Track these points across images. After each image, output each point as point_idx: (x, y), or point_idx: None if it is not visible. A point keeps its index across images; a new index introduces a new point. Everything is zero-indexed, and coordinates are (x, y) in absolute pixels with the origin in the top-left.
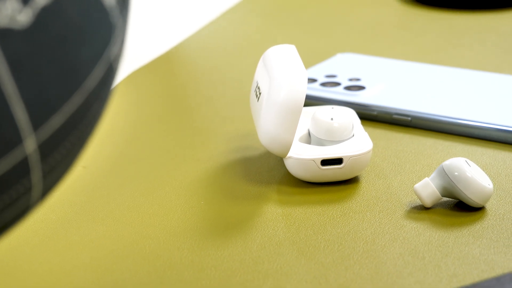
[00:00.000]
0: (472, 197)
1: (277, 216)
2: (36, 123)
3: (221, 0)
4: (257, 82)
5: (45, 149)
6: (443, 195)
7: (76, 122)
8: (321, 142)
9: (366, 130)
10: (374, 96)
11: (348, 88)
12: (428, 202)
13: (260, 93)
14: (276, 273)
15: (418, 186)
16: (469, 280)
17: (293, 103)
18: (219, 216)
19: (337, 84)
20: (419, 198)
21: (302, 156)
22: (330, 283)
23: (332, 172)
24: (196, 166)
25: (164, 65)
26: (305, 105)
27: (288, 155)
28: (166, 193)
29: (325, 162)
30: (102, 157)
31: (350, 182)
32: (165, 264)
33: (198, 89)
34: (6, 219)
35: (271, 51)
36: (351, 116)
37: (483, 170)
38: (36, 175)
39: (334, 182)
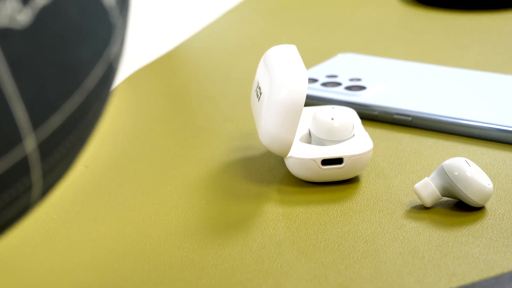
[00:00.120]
0: (472, 197)
1: (278, 215)
2: (36, 122)
3: (223, 0)
4: (258, 82)
5: (45, 148)
6: (443, 195)
7: (76, 121)
8: (321, 142)
9: (366, 130)
10: (375, 96)
11: (349, 88)
12: (428, 201)
13: (261, 93)
14: (276, 272)
15: (418, 185)
16: (469, 280)
17: (293, 103)
18: (219, 216)
19: (338, 84)
20: (419, 197)
21: (303, 155)
22: (330, 282)
23: (332, 172)
24: (197, 166)
25: (166, 65)
26: (306, 105)
27: (289, 154)
28: (167, 193)
29: (325, 161)
30: (104, 157)
31: (351, 181)
32: (166, 263)
33: (199, 88)
34: (6, 217)
35: (272, 51)
36: (352, 116)
37: (483, 170)
38: (36, 174)
39: (335, 181)
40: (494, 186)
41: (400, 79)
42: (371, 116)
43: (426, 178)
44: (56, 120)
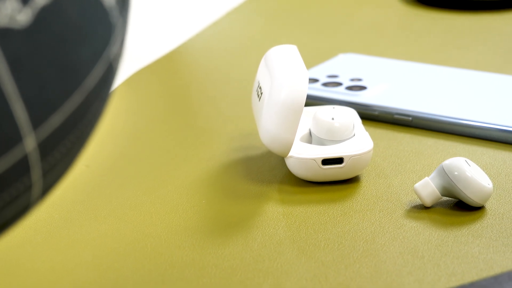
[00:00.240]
0: (472, 197)
1: (278, 215)
2: (36, 121)
3: (224, 1)
4: (258, 82)
5: (45, 147)
6: (443, 195)
7: (76, 121)
8: (322, 142)
9: (367, 130)
10: (376, 96)
11: (349, 88)
12: (428, 201)
13: (261, 93)
14: (276, 271)
15: (418, 185)
16: (468, 279)
17: (294, 103)
18: (220, 215)
19: (339, 84)
20: (419, 197)
21: (303, 155)
22: (330, 281)
23: (332, 172)
24: (198, 165)
25: (167, 65)
26: (307, 105)
27: (289, 154)
28: (168, 192)
29: (326, 161)
30: (105, 156)
31: (351, 181)
32: (166, 262)
33: (200, 89)
34: (6, 217)
35: (272, 52)
36: (352, 116)
37: (483, 169)
38: (36, 173)
39: (335, 181)
40: (494, 186)
41: (401, 79)
42: (371, 116)
43: (426, 178)
44: (56, 120)
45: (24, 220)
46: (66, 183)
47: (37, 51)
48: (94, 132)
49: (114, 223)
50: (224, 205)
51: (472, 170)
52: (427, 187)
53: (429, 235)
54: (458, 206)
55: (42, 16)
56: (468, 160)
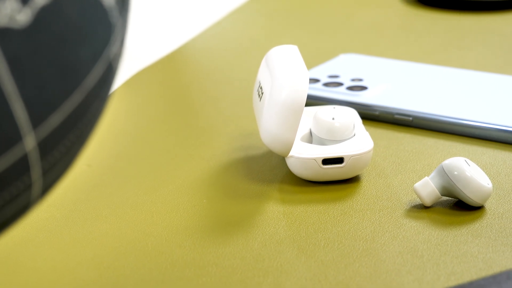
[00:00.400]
0: (471, 196)
1: (279, 214)
2: (36, 121)
3: (226, 1)
4: (259, 82)
5: (44, 146)
6: (443, 194)
7: (75, 120)
8: (322, 142)
9: (368, 130)
10: (376, 96)
11: (350, 88)
12: (427, 201)
13: (262, 93)
14: (276, 270)
15: (418, 185)
16: (467, 278)
17: (294, 103)
18: (221, 214)
19: (340, 84)
20: (419, 197)
21: (304, 155)
22: (330, 280)
23: (333, 171)
24: (199, 165)
25: (169, 65)
26: (308, 104)
27: (290, 154)
28: (169, 192)
29: (326, 161)
30: (106, 156)
31: (351, 181)
32: (167, 261)
33: (202, 89)
34: (6, 215)
35: (273, 52)
36: (352, 116)
37: (483, 169)
38: (36, 172)
39: (335, 181)
40: (493, 186)
41: (402, 79)
42: (372, 116)
43: (426, 178)
44: (55, 119)
45: (25, 219)
46: (68, 182)
47: (36, 51)
48: (94, 132)
49: (115, 222)
50: (225, 205)
51: (471, 170)
52: (427, 187)
53: (428, 234)
54: (458, 206)
55: (41, 16)
56: (468, 160)
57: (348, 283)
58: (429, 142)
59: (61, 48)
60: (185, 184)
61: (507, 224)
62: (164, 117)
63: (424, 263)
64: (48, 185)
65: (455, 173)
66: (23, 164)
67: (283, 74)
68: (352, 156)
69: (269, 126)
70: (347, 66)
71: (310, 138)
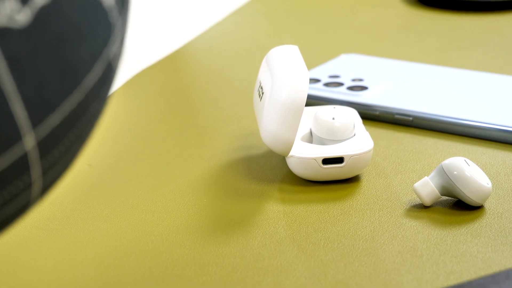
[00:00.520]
0: (471, 196)
1: (279, 214)
2: (35, 120)
3: (227, 1)
4: (260, 82)
5: (44, 146)
6: (442, 194)
7: (75, 120)
8: (322, 141)
9: (368, 130)
10: (377, 96)
11: (351, 88)
12: (427, 200)
13: (262, 93)
14: (276, 270)
15: (417, 185)
16: (466, 278)
17: (294, 103)
18: (221, 214)
19: (340, 84)
20: (419, 197)
21: (304, 155)
22: (329, 280)
23: (333, 171)
24: (200, 165)
25: (170, 65)
26: (309, 104)
27: (290, 154)
28: (170, 191)
29: (326, 161)
30: (107, 155)
31: (351, 180)
32: (167, 260)
33: (203, 89)
34: (6, 215)
35: (274, 52)
36: (353, 115)
37: (482, 169)
38: (35, 171)
39: (335, 180)
40: (493, 186)
41: (402, 79)
42: (372, 116)
43: (426, 178)
44: (55, 119)
45: (26, 218)
46: (69, 182)
47: (36, 50)
48: (93, 131)
49: (115, 221)
50: (225, 204)
51: (471, 169)
52: (427, 187)
53: (428, 234)
54: (457, 206)
55: (41, 16)
56: (468, 160)
57: (347, 282)
58: (429, 142)
59: (61, 48)
60: (185, 183)
61: (506, 223)
62: (164, 117)
63: (424, 262)
64: (48, 184)
65: (455, 173)
66: (23, 163)
67: (284, 74)
68: (352, 156)
69: (270, 126)
70: (347, 66)
71: (311, 138)
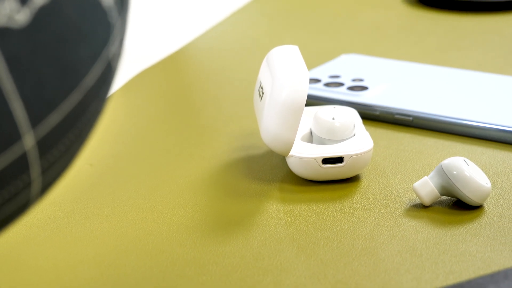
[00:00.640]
0: (470, 196)
1: (279, 213)
2: (35, 120)
3: (228, 2)
4: (260, 82)
5: (43, 145)
6: (442, 194)
7: (74, 119)
8: (322, 141)
9: (368, 130)
10: (377, 97)
11: (351, 88)
12: (427, 200)
13: (263, 93)
14: (276, 269)
15: (417, 184)
16: (465, 277)
17: (294, 103)
18: (221, 213)
19: (341, 84)
20: (418, 196)
21: (304, 154)
22: (329, 279)
23: (333, 171)
24: (200, 164)
25: (171, 66)
26: (309, 104)
27: (290, 153)
28: (170, 191)
29: (326, 160)
30: (108, 155)
31: (351, 180)
32: (168, 260)
33: (203, 89)
34: (5, 214)
35: (274, 52)
36: (353, 115)
37: (482, 169)
38: (35, 171)
39: (335, 180)
40: (492, 185)
41: (402, 79)
42: (372, 116)
43: (425, 177)
44: (54, 118)
45: (27, 217)
46: (70, 181)
47: (35, 50)
48: (93, 131)
49: (116, 221)
50: (226, 204)
51: (470, 169)
52: (426, 186)
53: (427, 233)
54: (457, 205)
55: (40, 16)
56: (467, 160)
57: (347, 282)
58: (429, 142)
59: (60, 48)
60: (186, 183)
61: (505, 223)
62: (165, 117)
63: (423, 262)
64: (47, 184)
65: (454, 172)
66: (22, 162)
67: (284, 74)
68: (352, 155)
69: (270, 126)
70: (348, 66)
71: (311, 137)
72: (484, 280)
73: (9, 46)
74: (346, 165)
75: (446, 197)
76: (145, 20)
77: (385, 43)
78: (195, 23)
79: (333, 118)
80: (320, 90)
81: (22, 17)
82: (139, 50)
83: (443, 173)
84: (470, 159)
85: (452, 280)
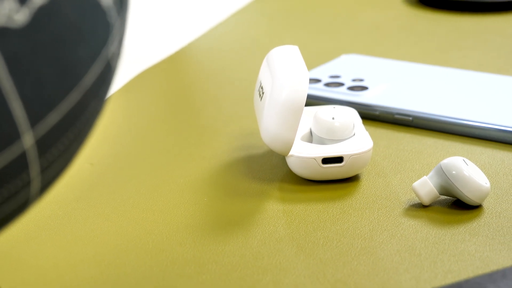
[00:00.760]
0: (469, 195)
1: (278, 213)
2: (34, 119)
3: (229, 2)
4: (260, 82)
5: (43, 144)
6: (441, 193)
7: (73, 119)
8: (322, 141)
9: (368, 130)
10: (377, 97)
11: (351, 88)
12: (426, 200)
13: (263, 93)
14: (275, 268)
15: (416, 184)
16: (464, 276)
17: (294, 103)
18: (221, 213)
19: (341, 84)
20: (417, 196)
21: (304, 154)
22: (328, 278)
23: (332, 170)
24: (201, 164)
25: (172, 66)
26: (309, 104)
27: (290, 153)
28: (171, 190)
29: (326, 160)
30: (109, 155)
31: (351, 180)
32: (168, 259)
33: (204, 89)
34: (5, 213)
35: (274, 52)
36: (352, 115)
37: (481, 169)
38: (34, 170)
39: (335, 180)
40: (491, 185)
41: (402, 79)
42: (372, 116)
43: (424, 177)
44: (53, 118)
45: (28, 216)
46: (70, 181)
47: (35, 50)
48: (92, 131)
49: (116, 220)
50: (225, 203)
51: (469, 169)
52: (425, 186)
53: (426, 233)
54: (456, 205)
55: (39, 15)
56: (466, 160)
57: (346, 281)
58: (428, 141)
59: (59, 48)
60: (186, 182)
61: (504, 223)
62: (166, 117)
63: (422, 261)
64: (46, 183)
65: (453, 172)
66: (21, 161)
67: (284, 74)
68: (351, 155)
69: (270, 126)
70: (348, 66)
71: (310, 137)
72: (483, 280)
73: (8, 46)
74: (346, 164)
75: (445, 197)
76: (146, 21)
77: (385, 43)
78: (195, 23)
79: (333, 118)
80: (320, 90)
81: (21, 17)
82: (140, 51)
83: (442, 173)
84: (470, 159)
85: (450, 279)
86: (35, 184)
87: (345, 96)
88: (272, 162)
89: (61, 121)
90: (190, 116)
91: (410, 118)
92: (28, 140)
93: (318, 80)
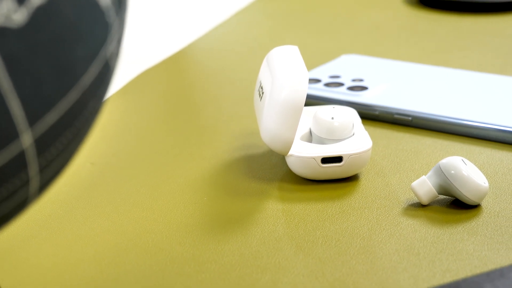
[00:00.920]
0: (468, 195)
1: (278, 212)
2: (32, 119)
3: (230, 2)
4: (260, 82)
5: (41, 144)
6: (440, 193)
7: (72, 118)
8: (321, 141)
9: (367, 130)
10: (376, 97)
11: (351, 88)
12: (424, 199)
13: (263, 93)
14: (274, 267)
15: (415, 184)
16: (462, 275)
17: (294, 102)
18: (221, 212)
19: (341, 84)
20: (416, 195)
21: (303, 154)
22: (327, 277)
23: (332, 170)
24: (201, 163)
25: (173, 66)
26: (309, 104)
27: (290, 153)
28: (171, 189)
29: (325, 160)
30: (110, 154)
31: (350, 179)
32: (167, 258)
33: (204, 89)
34: (3, 212)
35: (274, 52)
36: (352, 115)
37: (480, 169)
38: (33, 169)
39: (334, 179)
40: (490, 185)
41: (402, 80)
42: (372, 116)
43: (423, 177)
44: (52, 117)
45: (28, 215)
46: (70, 180)
47: (33, 50)
48: (91, 130)
49: (116, 219)
50: (225, 202)
51: (468, 169)
52: (424, 186)
53: (425, 232)
54: (455, 204)
55: (38, 15)
56: (465, 159)
57: (345, 280)
58: (427, 141)
59: (58, 47)
60: (186, 182)
61: (502, 222)
62: (166, 117)
63: (420, 260)
64: (45, 182)
65: (452, 172)
66: (20, 160)
67: (283, 74)
68: (350, 155)
69: (269, 125)
70: (348, 66)
71: (310, 137)
72: (480, 279)
73: (7, 46)
74: (345, 164)
75: (444, 196)
76: (147, 21)
77: (385, 43)
78: (196, 24)
79: (332, 118)
80: (320, 90)
81: (19, 16)
82: (141, 51)
83: (441, 173)
84: (468, 159)
85: (449, 279)
86: (34, 183)
87: (345, 96)
88: (272, 162)
89: (60, 120)
90: (190, 116)
91: (410, 118)
92: (26, 139)
93: (318, 80)
